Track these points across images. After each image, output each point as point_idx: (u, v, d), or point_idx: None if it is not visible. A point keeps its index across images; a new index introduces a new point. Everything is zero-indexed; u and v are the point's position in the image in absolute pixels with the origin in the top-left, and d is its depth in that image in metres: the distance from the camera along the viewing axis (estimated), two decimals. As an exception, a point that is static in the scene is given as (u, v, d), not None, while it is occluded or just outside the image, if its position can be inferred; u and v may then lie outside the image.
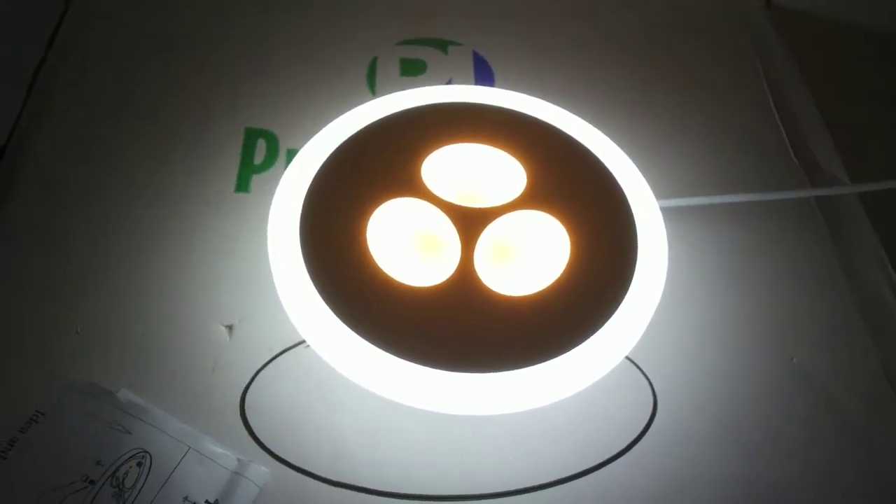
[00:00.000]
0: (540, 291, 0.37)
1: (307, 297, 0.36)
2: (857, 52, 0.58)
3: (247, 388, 0.38)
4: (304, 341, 0.40)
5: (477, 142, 0.42)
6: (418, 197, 0.39)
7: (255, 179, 0.46)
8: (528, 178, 0.40)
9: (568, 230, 0.39)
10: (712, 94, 0.52)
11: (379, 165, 0.41)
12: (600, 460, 0.37)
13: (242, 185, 0.46)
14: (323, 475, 0.36)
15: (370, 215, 0.39)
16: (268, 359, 0.39)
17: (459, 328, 0.36)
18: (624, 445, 0.38)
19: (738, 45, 0.56)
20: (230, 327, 0.40)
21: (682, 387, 0.39)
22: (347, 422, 0.38)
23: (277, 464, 0.36)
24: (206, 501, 0.34)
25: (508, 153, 0.41)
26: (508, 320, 0.36)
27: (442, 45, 0.54)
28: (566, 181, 0.41)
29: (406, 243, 0.39)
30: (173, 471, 0.34)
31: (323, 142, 0.42)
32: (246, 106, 0.50)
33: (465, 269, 0.37)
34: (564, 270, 0.38)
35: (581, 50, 0.55)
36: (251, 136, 0.48)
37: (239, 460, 0.35)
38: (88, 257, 0.42)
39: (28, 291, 0.41)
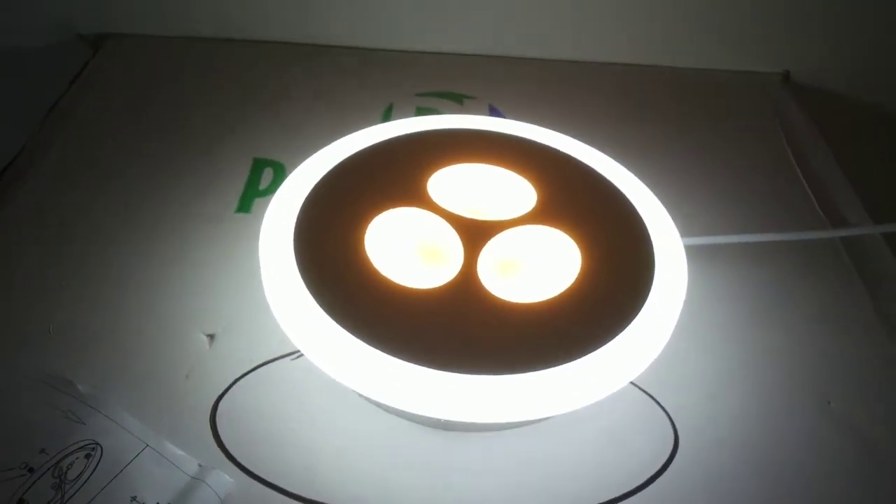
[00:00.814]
0: (545, 300, 0.34)
1: (295, 294, 0.33)
2: (877, 129, 0.58)
3: (221, 396, 0.35)
4: (290, 354, 0.37)
5: (487, 162, 0.40)
6: (421, 207, 0.38)
7: (258, 202, 0.45)
8: (538, 197, 0.39)
9: (579, 246, 0.36)
10: (740, 155, 0.51)
11: (382, 177, 0.39)
12: (613, 496, 0.32)
13: (244, 207, 0.45)
14: (293, 491, 0.32)
15: (369, 222, 0.36)
16: (248, 369, 0.36)
17: (456, 329, 0.32)
18: (640, 482, 0.33)
19: (759, 110, 0.55)
20: (212, 336, 0.37)
21: (707, 425, 0.35)
22: (327, 438, 0.34)
23: (246, 477, 0.32)
24: (158, 505, 0.29)
25: (519, 174, 0.40)
26: (508, 325, 0.33)
27: (458, 98, 0.54)
28: (579, 202, 0.39)
29: (407, 250, 0.36)
30: (125, 467, 0.30)
31: (329, 155, 0.40)
32: (256, 138, 0.49)
33: (468, 274, 0.35)
34: (573, 283, 0.35)
35: (606, 109, 0.55)
36: (259, 164, 0.48)
37: (201, 466, 0.31)
38: (76, 264, 0.40)
39: (9, 291, 0.39)
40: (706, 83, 0.58)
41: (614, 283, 0.35)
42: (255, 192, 0.46)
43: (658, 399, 0.36)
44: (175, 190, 0.45)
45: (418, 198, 0.38)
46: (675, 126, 0.53)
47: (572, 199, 0.39)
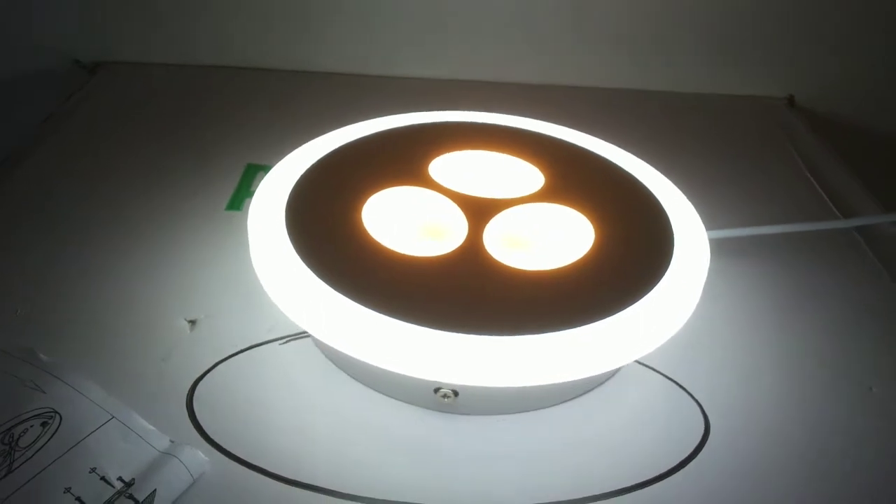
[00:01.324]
0: (554, 269, 0.31)
1: (285, 259, 0.31)
2: (878, 143, 0.57)
3: (200, 378, 0.32)
4: (278, 339, 0.34)
5: (491, 149, 0.39)
6: (422, 186, 0.35)
7: (248, 202, 0.43)
8: (545, 179, 0.37)
9: (591, 221, 0.34)
10: (754, 166, 0.50)
11: (380, 160, 0.37)
12: (635, 481, 0.29)
13: (235, 205, 0.43)
14: (273, 471, 0.28)
15: (367, 198, 0.34)
16: (228, 354, 0.33)
17: (460, 293, 0.30)
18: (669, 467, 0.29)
19: (768, 127, 0.55)
20: (193, 322, 0.34)
21: (738, 413, 0.32)
22: (313, 422, 0.30)
23: (222, 457, 0.28)
24: (120, 479, 0.26)
25: (525, 160, 0.38)
26: (515, 289, 0.30)
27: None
28: (591, 184, 0.37)
29: (407, 225, 0.34)
30: (85, 438, 0.27)
31: (328, 140, 0.39)
32: (250, 148, 0.48)
33: (473, 244, 0.32)
34: (584, 255, 0.32)
35: (620, 128, 0.53)
36: (251, 169, 0.46)
37: (172, 442, 0.28)
38: (59, 251, 0.38)
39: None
40: (715, 105, 0.58)
41: (630, 256, 0.32)
42: (245, 193, 0.44)
43: (689, 389, 0.33)
44: (167, 190, 0.43)
45: (419, 178, 0.36)
46: (688, 141, 0.52)
47: (583, 181, 0.37)
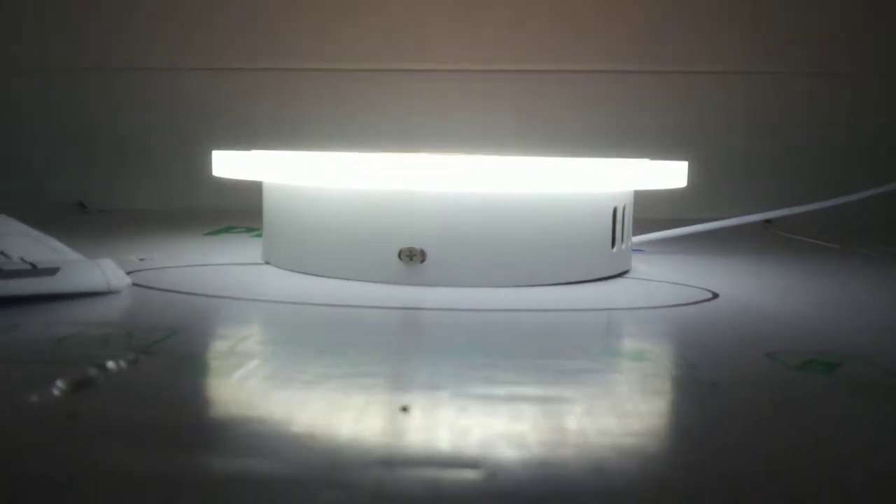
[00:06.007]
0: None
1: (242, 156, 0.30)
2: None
3: (137, 270, 0.28)
4: (232, 264, 0.31)
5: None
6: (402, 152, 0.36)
7: (228, 234, 0.42)
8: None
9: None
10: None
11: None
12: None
13: (215, 233, 0.42)
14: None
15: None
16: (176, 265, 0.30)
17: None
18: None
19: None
20: (143, 260, 0.32)
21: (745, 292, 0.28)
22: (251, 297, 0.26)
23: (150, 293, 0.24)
24: (21, 258, 0.22)
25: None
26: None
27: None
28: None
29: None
30: (-8, 232, 0.23)
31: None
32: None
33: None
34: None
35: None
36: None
37: (95, 260, 0.24)
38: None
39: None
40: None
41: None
42: (227, 230, 0.43)
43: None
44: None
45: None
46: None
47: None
